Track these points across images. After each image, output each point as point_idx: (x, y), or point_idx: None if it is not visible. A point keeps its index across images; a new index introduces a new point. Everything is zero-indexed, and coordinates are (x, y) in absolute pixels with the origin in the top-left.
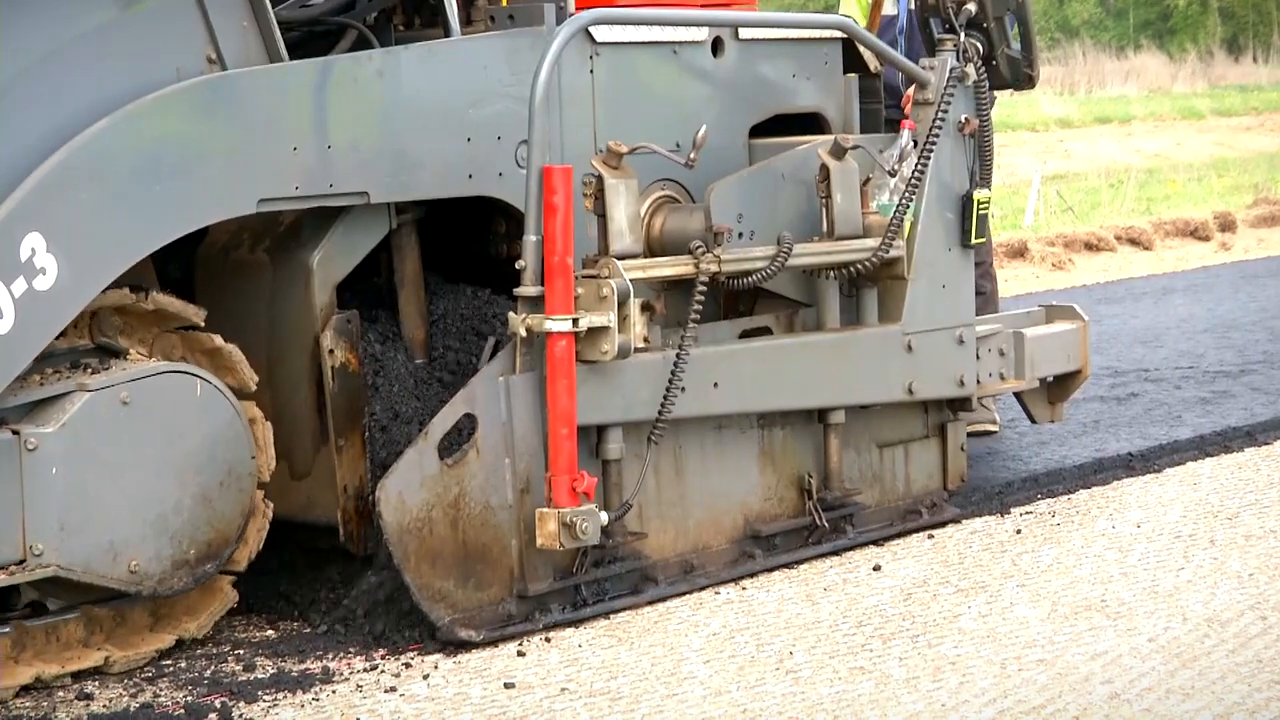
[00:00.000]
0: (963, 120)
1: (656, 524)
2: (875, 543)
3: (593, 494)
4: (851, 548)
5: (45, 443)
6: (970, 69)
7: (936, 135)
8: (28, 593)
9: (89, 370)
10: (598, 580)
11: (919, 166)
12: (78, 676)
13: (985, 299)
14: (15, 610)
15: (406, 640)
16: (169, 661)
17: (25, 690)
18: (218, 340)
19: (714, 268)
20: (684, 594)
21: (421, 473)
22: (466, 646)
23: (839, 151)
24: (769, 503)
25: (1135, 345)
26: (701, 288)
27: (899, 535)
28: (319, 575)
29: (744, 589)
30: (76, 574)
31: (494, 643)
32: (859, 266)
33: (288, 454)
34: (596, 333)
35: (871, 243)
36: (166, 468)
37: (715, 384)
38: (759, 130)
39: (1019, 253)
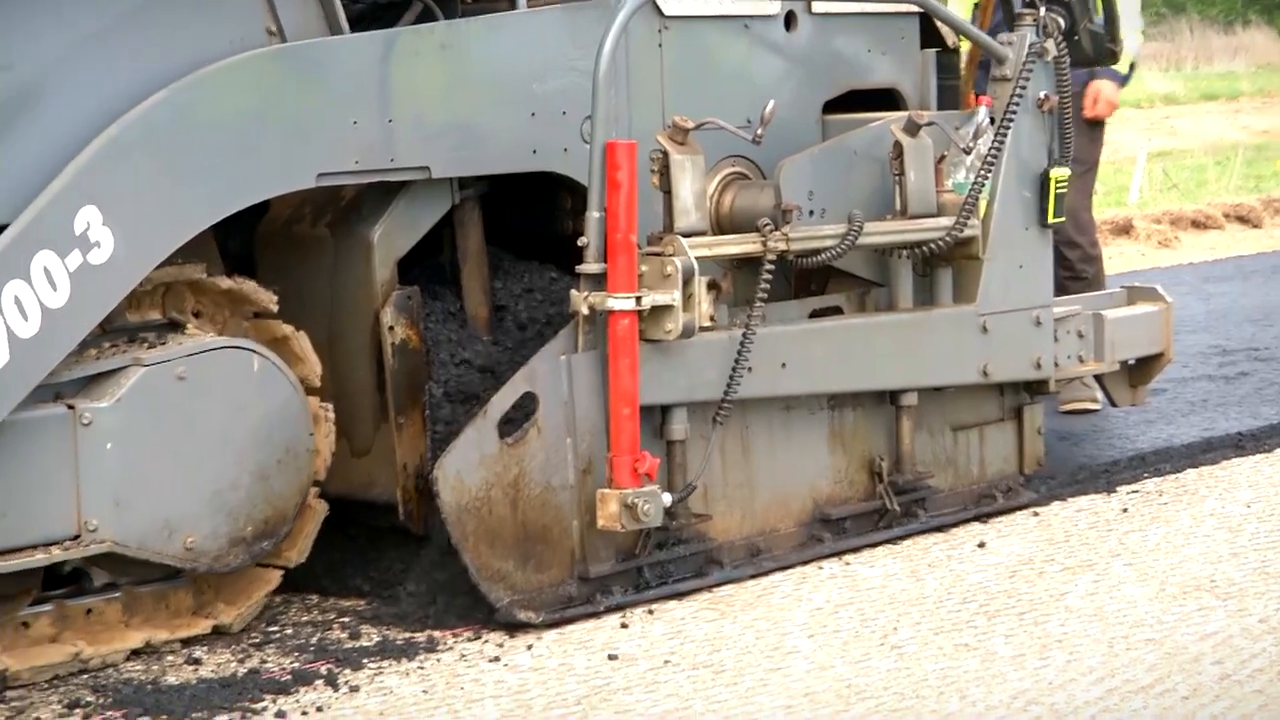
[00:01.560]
0: (1042, 97)
1: (722, 506)
2: (943, 529)
3: (655, 475)
4: (923, 532)
5: (100, 417)
6: (1050, 44)
7: (1014, 112)
8: (83, 568)
9: (145, 345)
10: (661, 563)
11: (996, 144)
12: (186, 643)
13: (1086, 284)
14: (72, 585)
15: (464, 622)
16: (275, 628)
17: (135, 654)
18: (287, 329)
19: (782, 246)
20: (751, 577)
21: (480, 452)
22: (528, 628)
23: (913, 128)
24: (838, 486)
25: (1244, 324)
26: (769, 266)
27: (972, 520)
28: (379, 554)
29: (847, 564)
30: (131, 550)
31: (554, 625)
32: (932, 246)
33: (348, 431)
34: (660, 311)
35: (946, 221)
36: (223, 444)
37: (783, 364)
38: (833, 106)
39: (1124, 230)
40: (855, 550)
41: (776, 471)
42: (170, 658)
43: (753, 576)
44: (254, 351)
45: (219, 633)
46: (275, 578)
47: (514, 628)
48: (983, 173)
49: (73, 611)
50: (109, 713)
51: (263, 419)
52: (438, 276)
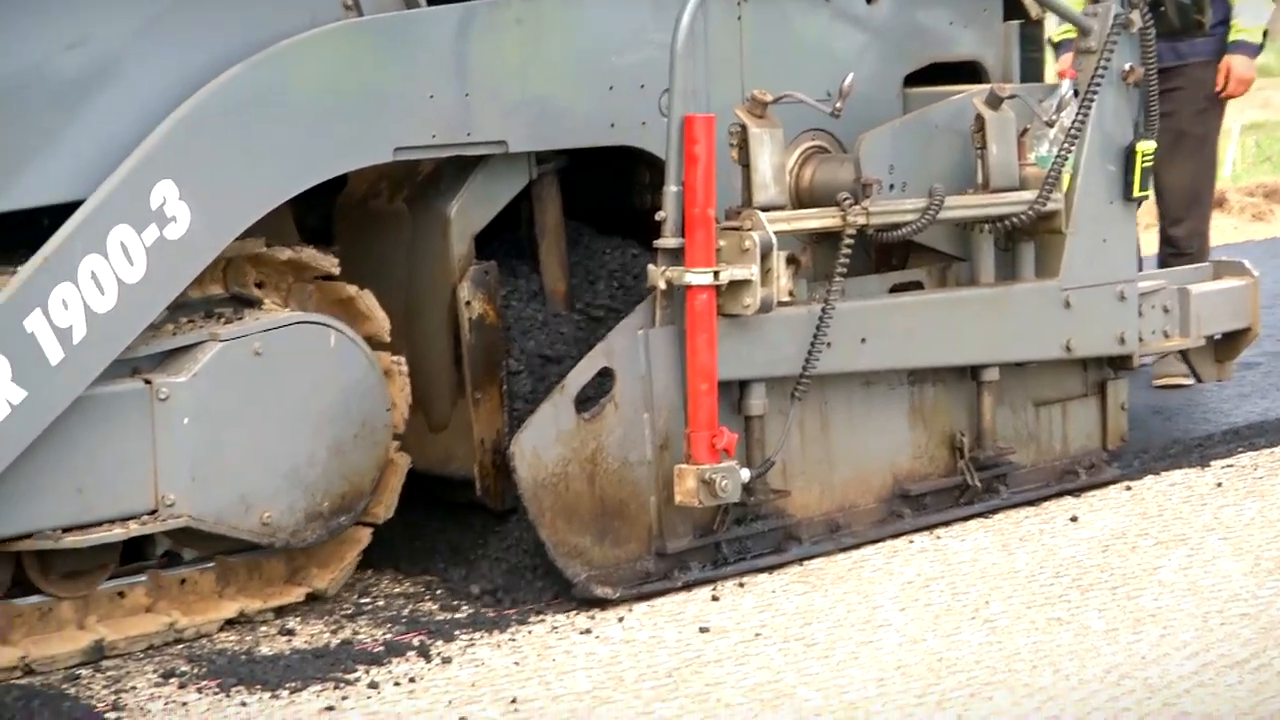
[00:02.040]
0: (1127, 69)
1: (801, 482)
2: (1032, 503)
3: (733, 450)
4: (1005, 508)
5: (177, 392)
6: (1136, 15)
7: (1098, 84)
8: (162, 542)
9: (222, 320)
10: (739, 538)
11: (1079, 117)
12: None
13: (1190, 261)
14: (151, 559)
15: (542, 598)
16: (367, 600)
17: (229, 624)
18: (351, 289)
19: (861, 220)
20: (830, 553)
21: (557, 427)
22: (605, 604)
23: (995, 101)
24: (919, 461)
25: None
26: (849, 241)
27: (1055, 496)
28: (457, 529)
29: (938, 538)
30: (208, 525)
31: (626, 601)
32: (1015, 220)
33: (426, 406)
34: (738, 286)
35: (1028, 195)
36: (300, 419)
37: (863, 339)
38: (914, 79)
39: (1217, 204)
40: (935, 527)
41: (856, 447)
42: (264, 628)
43: (831, 552)
44: (330, 326)
45: (312, 600)
46: (365, 536)
47: (603, 601)
48: (1066, 146)
49: (167, 582)
50: (204, 682)
51: (339, 393)
52: (515, 252)
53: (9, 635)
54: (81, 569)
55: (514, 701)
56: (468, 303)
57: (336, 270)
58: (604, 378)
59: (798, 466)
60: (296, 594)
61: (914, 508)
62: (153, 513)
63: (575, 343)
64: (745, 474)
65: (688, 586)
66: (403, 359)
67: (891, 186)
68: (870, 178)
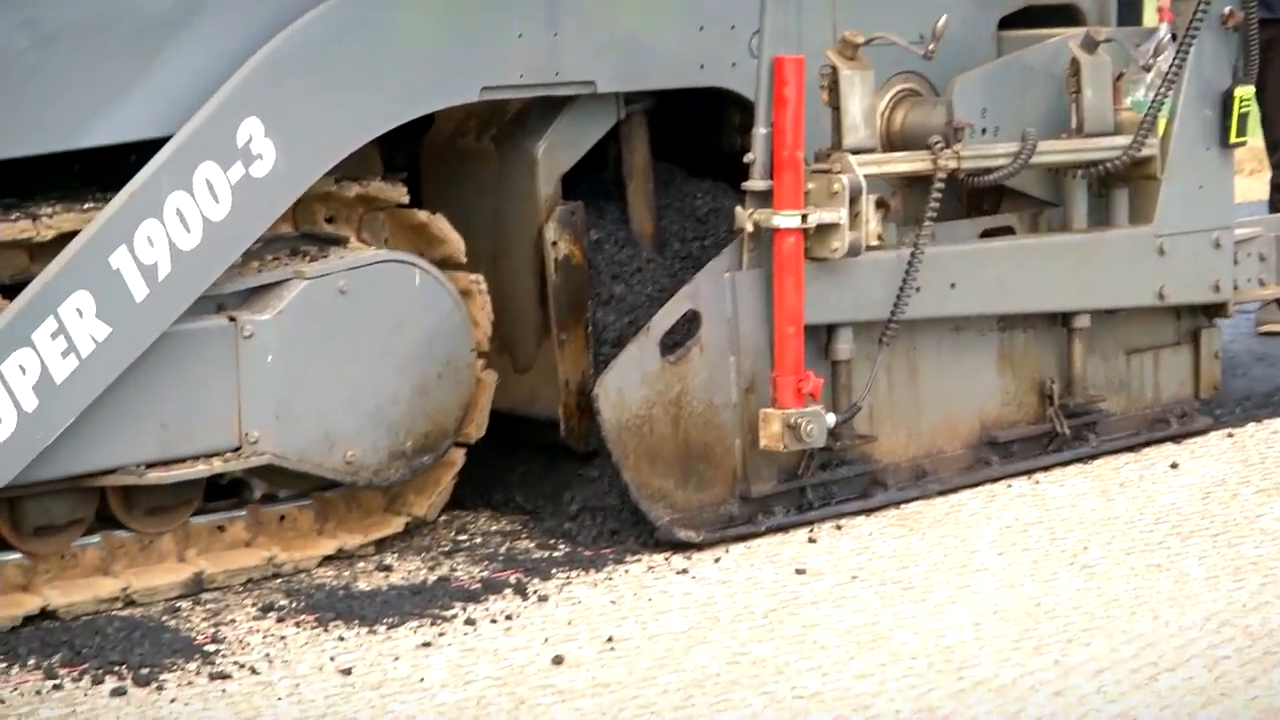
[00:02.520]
0: (1226, 13)
1: (888, 427)
2: (1132, 448)
3: (819, 395)
4: (1094, 456)
5: (261, 330)
6: None
7: (1197, 28)
8: (247, 481)
9: (307, 258)
10: (824, 484)
11: (1177, 61)
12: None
13: None
14: (244, 497)
15: (624, 541)
16: (464, 537)
17: (327, 560)
18: (422, 215)
19: (952, 164)
20: (914, 499)
21: (642, 369)
22: (688, 548)
23: (1091, 45)
24: (1007, 408)
25: None
26: (939, 185)
27: (1145, 445)
28: (543, 470)
29: (1036, 483)
30: (292, 463)
31: (714, 544)
32: (1109, 165)
33: (511, 347)
34: (826, 229)
35: (1123, 140)
36: (384, 358)
37: (952, 284)
38: (1009, 22)
39: None
40: (1024, 474)
41: (944, 393)
42: (361, 564)
43: (917, 499)
44: (415, 265)
45: (411, 531)
46: (459, 457)
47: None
48: (1163, 91)
49: (266, 517)
50: (302, 617)
51: (424, 332)
52: (602, 193)
53: (110, 566)
54: (165, 505)
55: (610, 640)
56: (554, 243)
57: (405, 199)
58: (690, 320)
59: (884, 412)
60: (396, 524)
61: (1002, 455)
62: (236, 450)
63: (662, 285)
64: (831, 419)
65: (772, 531)
66: (480, 277)
67: (984, 130)
68: (962, 121)
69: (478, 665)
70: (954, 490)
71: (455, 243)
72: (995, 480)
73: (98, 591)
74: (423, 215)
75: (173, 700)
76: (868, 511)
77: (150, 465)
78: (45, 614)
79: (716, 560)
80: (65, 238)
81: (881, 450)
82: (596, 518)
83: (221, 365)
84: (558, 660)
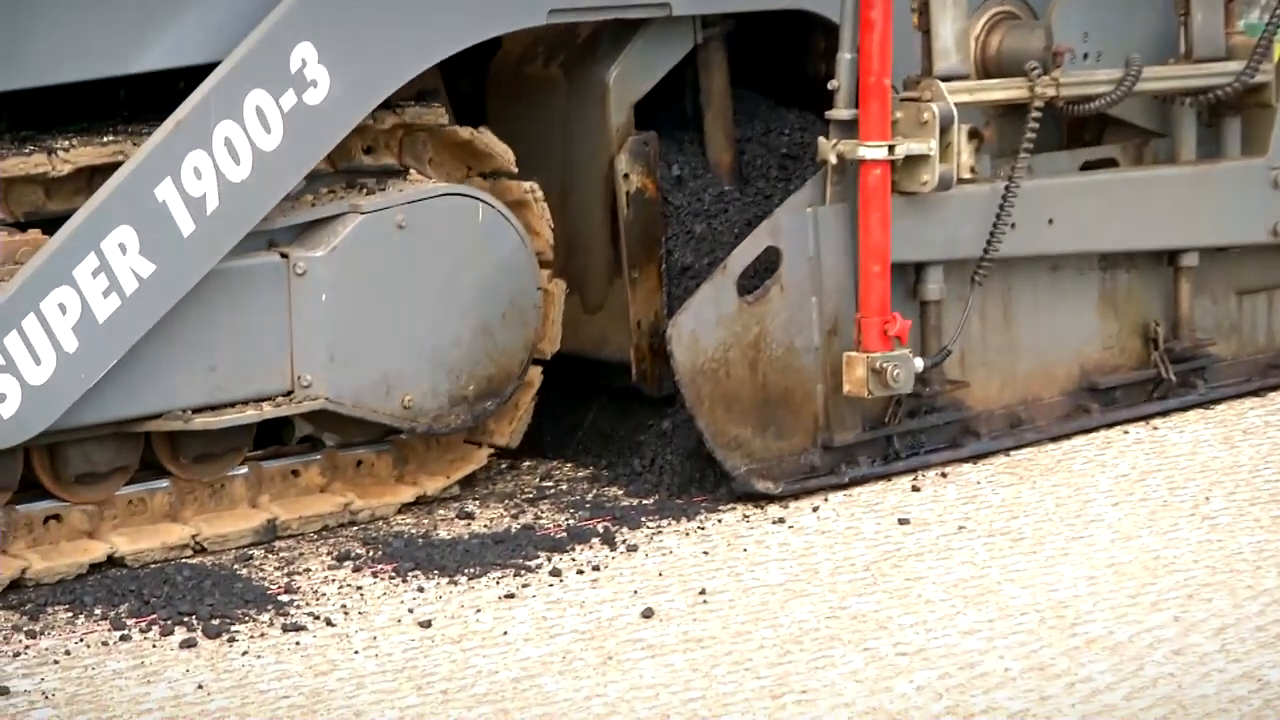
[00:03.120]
0: None
1: (980, 372)
2: (1257, 393)
3: (906, 338)
4: (1201, 404)
5: (314, 267)
6: None
7: None
8: (301, 427)
9: (364, 191)
10: (911, 432)
11: None
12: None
13: None
14: (290, 444)
15: (697, 492)
16: (549, 484)
17: (407, 508)
18: (465, 131)
19: (1051, 92)
20: (1009, 449)
21: (718, 310)
22: (768, 499)
23: None
24: (1109, 352)
25: None
26: (1036, 114)
27: (1256, 392)
28: (617, 418)
29: (1155, 429)
30: (346, 408)
31: (793, 496)
32: (1219, 93)
33: (580, 286)
34: (915, 161)
35: (1235, 66)
36: (445, 297)
37: (1050, 220)
38: None
39: None
40: (1125, 423)
41: (1040, 336)
42: (442, 511)
43: (1011, 449)
44: (479, 199)
45: (494, 476)
46: (537, 377)
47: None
48: (1278, 13)
49: (343, 462)
50: (379, 566)
51: (487, 270)
52: (678, 122)
53: (180, 512)
54: (212, 453)
55: (702, 593)
56: (626, 175)
57: (445, 120)
58: (769, 258)
59: (977, 356)
60: (479, 456)
61: (1102, 402)
62: (288, 394)
63: (742, 221)
64: (919, 363)
65: (856, 483)
66: (535, 185)
67: (1085, 56)
68: (1062, 46)
69: (564, 618)
70: (1064, 437)
71: (503, 154)
72: (1095, 430)
73: (166, 538)
74: (465, 132)
75: (244, 653)
76: (958, 461)
77: (197, 410)
78: (112, 561)
79: (815, 509)
80: (81, 173)
81: (973, 397)
82: (671, 467)
83: (272, 305)
84: (647, 613)
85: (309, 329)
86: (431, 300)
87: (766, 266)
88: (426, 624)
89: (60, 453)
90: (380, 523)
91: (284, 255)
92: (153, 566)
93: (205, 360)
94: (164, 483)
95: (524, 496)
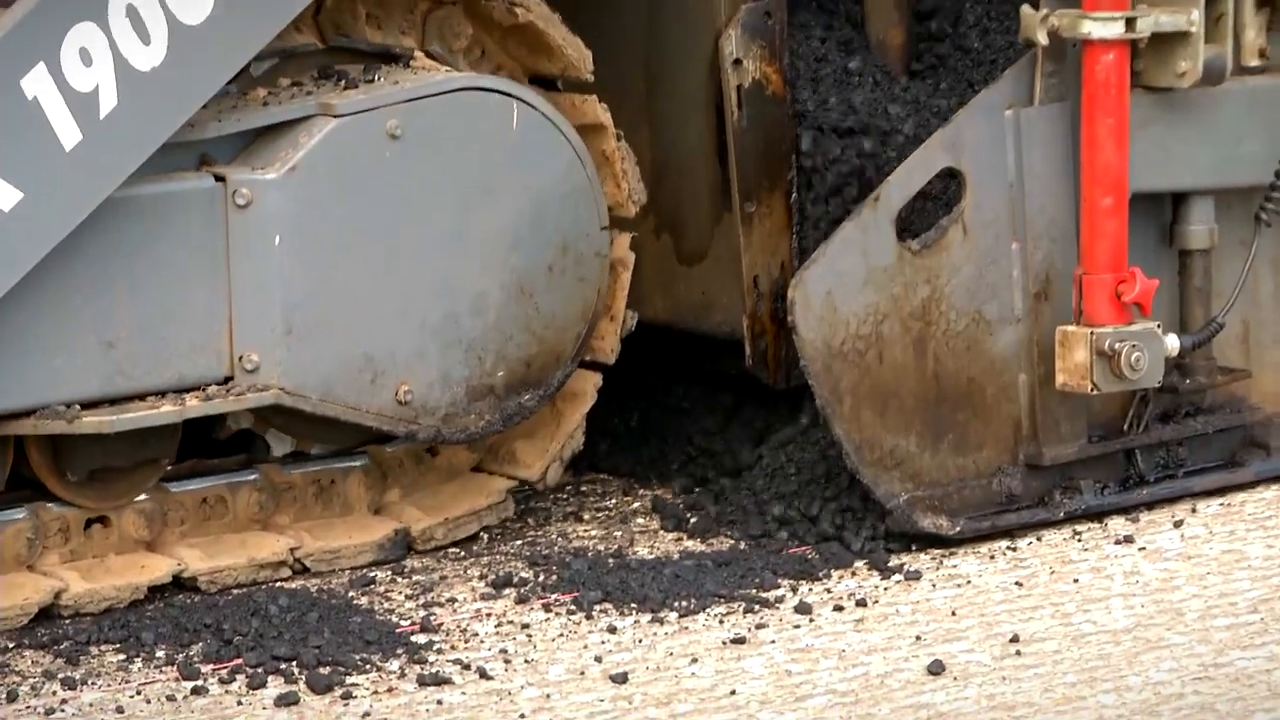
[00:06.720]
0: None
1: (1271, 356)
2: None
3: (1150, 305)
4: None
5: (264, 195)
6: None
7: None
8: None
9: (341, 84)
10: (1164, 444)
11: None
12: None
13: None
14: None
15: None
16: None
17: (594, 515)
18: (522, 10)
19: None
20: None
21: (867, 262)
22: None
23: None
24: None
25: None
26: None
27: None
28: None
29: None
30: (311, 402)
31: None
32: None
33: (672, 224)
34: (1168, 41)
35: None
36: (460, 241)
37: None
38: None
39: None
40: None
41: None
42: (641, 519)
43: None
44: (512, 96)
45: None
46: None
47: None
48: None
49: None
50: (554, 596)
51: (525, 202)
52: None
53: (273, 517)
54: (113, 465)
55: (1014, 640)
56: (737, 61)
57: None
58: (947, 185)
59: (1266, 333)
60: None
61: None
62: (224, 382)
63: (905, 127)
64: (1174, 342)
65: (1076, 519)
66: (606, 109)
67: None
68: None
69: (815, 673)
70: None
71: (577, 51)
72: None
73: (255, 553)
74: (522, 11)
75: (365, 715)
76: (1235, 489)
77: (88, 405)
78: (179, 584)
79: (1177, 524)
80: None
81: (1260, 393)
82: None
83: (203, 250)
84: (936, 668)
85: (254, 288)
86: (440, 245)
87: (943, 198)
88: (621, 678)
89: None
90: (554, 536)
91: (219, 178)
92: (236, 592)
93: (100, 333)
94: (251, 475)
95: (758, 495)
